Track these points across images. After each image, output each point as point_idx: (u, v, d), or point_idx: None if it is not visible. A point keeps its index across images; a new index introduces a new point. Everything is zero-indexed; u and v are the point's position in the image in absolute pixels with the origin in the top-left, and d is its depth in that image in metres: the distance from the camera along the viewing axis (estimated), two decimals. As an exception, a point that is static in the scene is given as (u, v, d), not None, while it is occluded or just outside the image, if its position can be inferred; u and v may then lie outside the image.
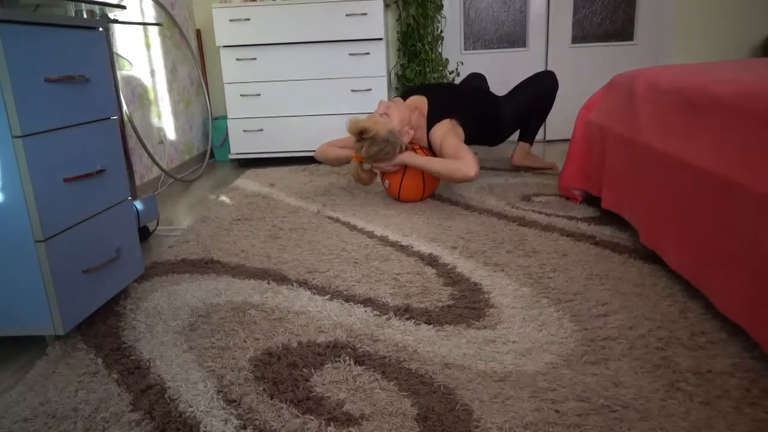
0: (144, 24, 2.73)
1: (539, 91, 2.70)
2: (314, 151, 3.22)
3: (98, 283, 1.41)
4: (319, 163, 3.28)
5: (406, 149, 2.31)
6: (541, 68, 3.58)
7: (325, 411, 1.04)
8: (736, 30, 3.47)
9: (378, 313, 1.41)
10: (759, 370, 1.10)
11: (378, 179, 2.60)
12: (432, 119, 2.39)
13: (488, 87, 3.03)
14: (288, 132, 3.24)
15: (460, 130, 2.41)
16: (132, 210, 1.59)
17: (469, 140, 2.58)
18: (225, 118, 3.62)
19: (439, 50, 3.39)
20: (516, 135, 3.22)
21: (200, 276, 1.70)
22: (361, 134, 2.23)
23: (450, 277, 1.60)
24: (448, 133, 2.31)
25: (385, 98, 3.14)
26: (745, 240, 1.14)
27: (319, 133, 3.22)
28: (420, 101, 2.46)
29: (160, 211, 2.50)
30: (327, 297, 1.51)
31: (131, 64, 2.71)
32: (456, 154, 2.19)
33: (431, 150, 2.42)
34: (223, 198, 2.61)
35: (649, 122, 1.65)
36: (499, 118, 2.63)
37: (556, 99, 3.61)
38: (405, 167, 2.31)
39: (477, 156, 2.93)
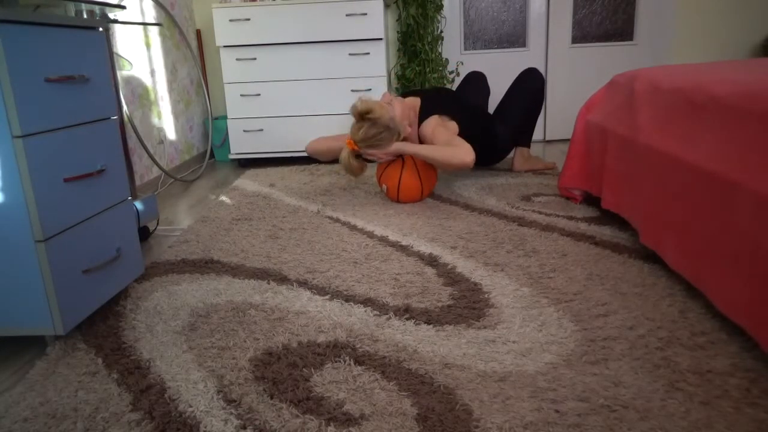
0: (144, 24, 2.73)
1: (528, 97, 2.71)
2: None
3: (98, 283, 1.41)
4: (319, 162, 3.28)
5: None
6: (541, 69, 3.58)
7: (325, 411, 1.04)
8: (736, 30, 3.47)
9: (378, 313, 1.41)
10: (759, 370, 1.10)
11: (371, 175, 2.60)
12: (423, 116, 2.40)
13: (488, 87, 3.03)
14: (288, 132, 3.24)
15: (452, 124, 2.40)
16: (132, 210, 1.59)
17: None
18: (225, 118, 3.62)
19: (439, 50, 3.39)
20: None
21: (200, 276, 1.70)
22: (363, 115, 2.21)
23: (450, 277, 1.60)
24: (438, 126, 2.32)
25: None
26: (745, 240, 1.14)
27: (319, 133, 3.22)
28: (414, 101, 2.48)
29: (160, 211, 2.50)
30: (327, 297, 1.51)
31: (131, 64, 2.71)
32: (449, 143, 2.19)
33: None
34: (223, 198, 2.61)
35: (649, 122, 1.65)
36: (496, 136, 2.64)
37: (556, 99, 3.62)
38: (401, 168, 2.30)
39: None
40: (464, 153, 2.12)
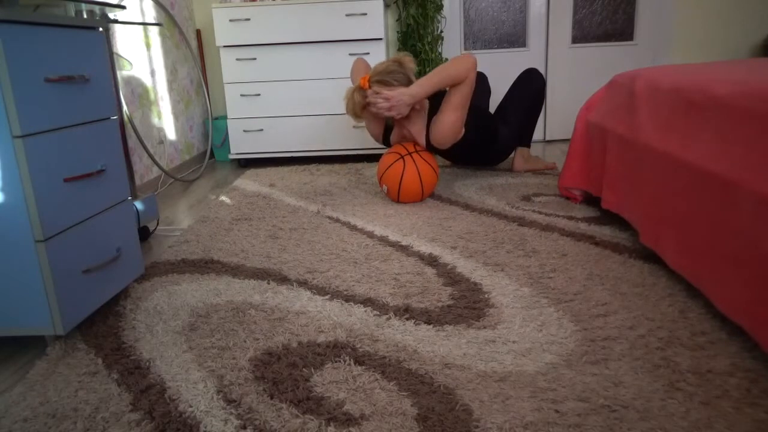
0: (144, 24, 2.73)
1: (529, 97, 2.73)
2: (314, 150, 3.25)
3: (98, 283, 1.41)
4: (319, 162, 3.28)
5: (408, 155, 2.31)
6: (541, 69, 3.58)
7: (325, 411, 1.04)
8: (736, 30, 3.47)
9: (378, 313, 1.41)
10: (759, 370, 1.10)
11: (371, 175, 2.60)
12: (431, 115, 2.40)
13: (489, 87, 3.04)
14: (288, 132, 3.24)
15: None
16: (132, 210, 1.59)
17: (466, 150, 2.58)
18: (225, 118, 3.62)
19: (439, 50, 3.39)
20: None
21: (200, 276, 1.70)
22: (396, 59, 2.31)
23: (450, 277, 1.60)
24: (444, 112, 2.33)
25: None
26: (745, 240, 1.14)
27: (319, 133, 3.22)
28: (424, 101, 2.47)
29: (160, 211, 2.50)
30: (327, 297, 1.51)
31: (131, 64, 2.71)
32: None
33: (431, 150, 2.42)
34: (223, 198, 2.61)
35: (649, 122, 1.65)
36: (497, 134, 2.64)
37: (557, 99, 3.62)
38: (402, 169, 2.30)
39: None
40: (461, 58, 2.21)
